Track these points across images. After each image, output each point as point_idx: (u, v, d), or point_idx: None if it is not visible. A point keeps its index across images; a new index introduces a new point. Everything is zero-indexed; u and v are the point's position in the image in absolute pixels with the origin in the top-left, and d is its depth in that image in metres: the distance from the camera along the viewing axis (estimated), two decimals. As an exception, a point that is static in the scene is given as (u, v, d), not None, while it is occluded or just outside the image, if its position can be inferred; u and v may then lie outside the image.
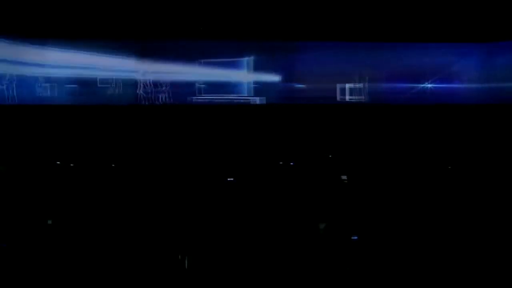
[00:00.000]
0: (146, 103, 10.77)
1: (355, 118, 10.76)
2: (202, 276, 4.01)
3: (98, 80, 10.52)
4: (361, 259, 4.13)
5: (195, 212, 5.09)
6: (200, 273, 4.03)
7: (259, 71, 10.95)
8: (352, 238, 4.35)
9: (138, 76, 10.66)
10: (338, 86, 11.14)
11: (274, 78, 11.02)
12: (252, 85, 10.97)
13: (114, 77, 10.60)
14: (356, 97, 11.14)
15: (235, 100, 10.84)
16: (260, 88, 10.98)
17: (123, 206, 5.29)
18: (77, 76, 10.47)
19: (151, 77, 10.70)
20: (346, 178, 6.81)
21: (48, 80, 10.47)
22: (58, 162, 8.01)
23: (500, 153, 8.73)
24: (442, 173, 7.28)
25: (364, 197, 5.74)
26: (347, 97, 11.12)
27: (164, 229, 4.61)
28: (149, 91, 10.71)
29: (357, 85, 11.19)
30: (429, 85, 11.43)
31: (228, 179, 6.70)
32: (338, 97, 11.09)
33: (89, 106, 10.43)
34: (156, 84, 10.72)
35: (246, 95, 10.95)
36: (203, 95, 10.91)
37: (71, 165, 7.78)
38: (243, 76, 10.90)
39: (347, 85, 11.20)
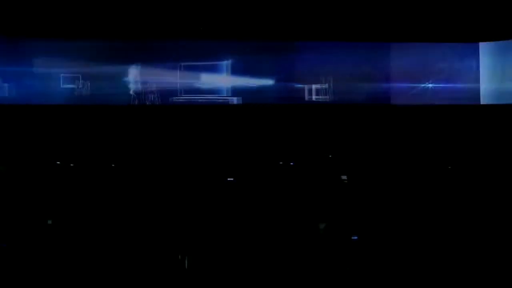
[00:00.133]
0: (148, 103, 10.81)
1: (355, 118, 10.76)
2: (202, 276, 4.01)
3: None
4: (361, 259, 4.13)
5: (195, 212, 5.09)
6: (200, 273, 4.03)
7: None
8: (352, 238, 4.34)
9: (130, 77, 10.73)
10: (310, 86, 11.17)
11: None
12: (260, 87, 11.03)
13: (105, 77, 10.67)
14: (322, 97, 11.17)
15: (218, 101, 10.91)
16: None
17: (123, 206, 5.29)
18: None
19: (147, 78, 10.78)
20: (346, 178, 6.81)
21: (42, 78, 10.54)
22: (58, 162, 8.01)
23: (500, 153, 8.73)
24: (442, 173, 7.28)
25: (364, 197, 5.74)
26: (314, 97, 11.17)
27: (164, 229, 4.61)
28: (152, 91, 10.77)
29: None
30: (430, 85, 11.44)
31: (228, 179, 6.70)
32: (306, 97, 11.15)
33: (89, 106, 10.44)
34: (148, 85, 10.81)
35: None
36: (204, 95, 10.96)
37: (71, 165, 7.77)
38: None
39: (314, 86, 11.22)
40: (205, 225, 4.73)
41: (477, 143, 9.65)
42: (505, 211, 5.01)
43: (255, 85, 11.02)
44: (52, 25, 10.17)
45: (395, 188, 6.12)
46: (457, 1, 10.77)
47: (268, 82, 11.07)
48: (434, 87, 11.41)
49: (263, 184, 6.50)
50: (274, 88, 11.12)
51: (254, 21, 10.62)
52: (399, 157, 8.65)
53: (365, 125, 10.61)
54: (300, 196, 5.67)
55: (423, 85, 11.39)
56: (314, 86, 11.19)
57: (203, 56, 10.94)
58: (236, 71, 10.99)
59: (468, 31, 11.02)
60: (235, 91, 10.99)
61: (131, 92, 10.71)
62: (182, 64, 10.78)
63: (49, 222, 4.81)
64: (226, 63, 10.91)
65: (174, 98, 10.83)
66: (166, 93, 10.81)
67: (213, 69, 10.89)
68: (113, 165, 7.81)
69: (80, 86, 10.55)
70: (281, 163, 8.35)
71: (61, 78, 10.57)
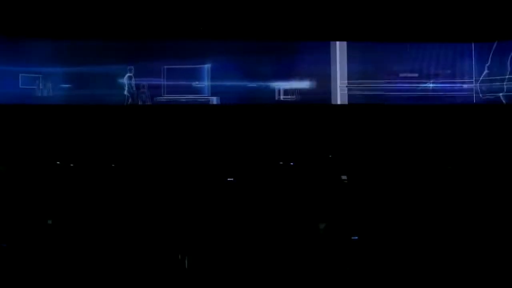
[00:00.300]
0: (150, 103, 10.84)
1: (355, 118, 10.76)
2: (202, 276, 4.01)
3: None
4: (361, 259, 4.13)
5: (195, 212, 5.09)
6: (200, 273, 4.03)
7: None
8: (352, 238, 4.34)
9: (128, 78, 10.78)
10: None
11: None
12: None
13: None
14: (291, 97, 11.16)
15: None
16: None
17: (123, 206, 5.29)
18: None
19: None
20: (346, 178, 6.81)
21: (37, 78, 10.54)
22: (58, 162, 8.01)
23: (500, 153, 8.73)
24: (442, 173, 7.28)
25: (364, 197, 5.74)
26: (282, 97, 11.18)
27: (164, 229, 4.61)
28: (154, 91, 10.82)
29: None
30: (430, 85, 11.44)
31: (228, 179, 6.70)
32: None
33: (89, 106, 10.44)
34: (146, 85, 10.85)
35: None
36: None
37: (71, 165, 7.77)
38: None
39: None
40: (205, 225, 4.73)
41: (477, 143, 9.65)
42: (505, 211, 5.01)
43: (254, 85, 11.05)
44: (42, 25, 10.17)
45: (395, 188, 6.11)
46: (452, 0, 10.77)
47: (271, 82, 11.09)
48: (435, 87, 11.43)
49: (263, 184, 6.50)
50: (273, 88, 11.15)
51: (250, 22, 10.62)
52: (399, 157, 8.65)
53: (365, 125, 10.62)
54: (300, 196, 5.67)
55: (424, 85, 11.41)
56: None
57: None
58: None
59: (466, 31, 11.03)
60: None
61: (125, 92, 10.77)
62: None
63: (49, 222, 4.81)
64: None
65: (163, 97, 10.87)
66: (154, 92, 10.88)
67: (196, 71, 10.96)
68: (113, 165, 7.81)
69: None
70: (281, 163, 8.36)
71: (40, 78, 10.59)
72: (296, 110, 10.94)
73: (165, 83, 10.82)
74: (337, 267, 4.06)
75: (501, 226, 4.56)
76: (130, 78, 10.76)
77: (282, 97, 11.16)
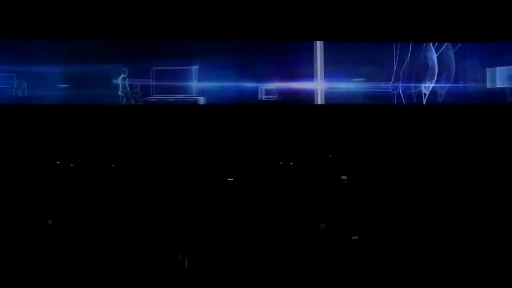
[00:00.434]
0: (150, 103, 10.88)
1: (355, 118, 10.76)
2: (202, 276, 4.01)
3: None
4: (361, 259, 4.13)
5: (195, 212, 5.09)
6: (200, 273, 4.03)
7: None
8: (352, 238, 4.34)
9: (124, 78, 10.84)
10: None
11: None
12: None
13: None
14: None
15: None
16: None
17: (123, 206, 5.29)
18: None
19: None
20: (346, 178, 6.81)
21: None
22: (58, 162, 8.01)
23: (500, 153, 8.73)
24: (442, 173, 7.28)
25: (364, 197, 5.74)
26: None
27: (164, 229, 4.61)
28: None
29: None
30: (431, 85, 11.45)
31: (228, 179, 6.70)
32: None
33: (90, 106, 10.44)
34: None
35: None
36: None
37: (71, 165, 7.78)
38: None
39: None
40: (205, 225, 4.73)
41: (477, 143, 9.65)
42: (505, 211, 5.01)
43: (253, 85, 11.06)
44: (36, 25, 10.17)
45: (395, 188, 6.12)
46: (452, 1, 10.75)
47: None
48: (435, 87, 11.43)
49: (263, 184, 6.50)
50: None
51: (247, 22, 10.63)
52: (399, 157, 8.65)
53: (365, 125, 10.61)
54: (300, 196, 5.67)
55: (425, 85, 11.41)
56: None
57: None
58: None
59: (466, 31, 11.03)
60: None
61: (120, 92, 10.84)
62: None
63: (49, 222, 4.81)
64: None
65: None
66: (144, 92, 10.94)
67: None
68: (113, 165, 7.81)
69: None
70: (281, 163, 8.36)
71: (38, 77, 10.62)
72: (297, 110, 10.94)
73: (154, 83, 10.95)
74: (337, 267, 4.06)
75: (502, 227, 4.56)
76: (124, 79, 10.88)
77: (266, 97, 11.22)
